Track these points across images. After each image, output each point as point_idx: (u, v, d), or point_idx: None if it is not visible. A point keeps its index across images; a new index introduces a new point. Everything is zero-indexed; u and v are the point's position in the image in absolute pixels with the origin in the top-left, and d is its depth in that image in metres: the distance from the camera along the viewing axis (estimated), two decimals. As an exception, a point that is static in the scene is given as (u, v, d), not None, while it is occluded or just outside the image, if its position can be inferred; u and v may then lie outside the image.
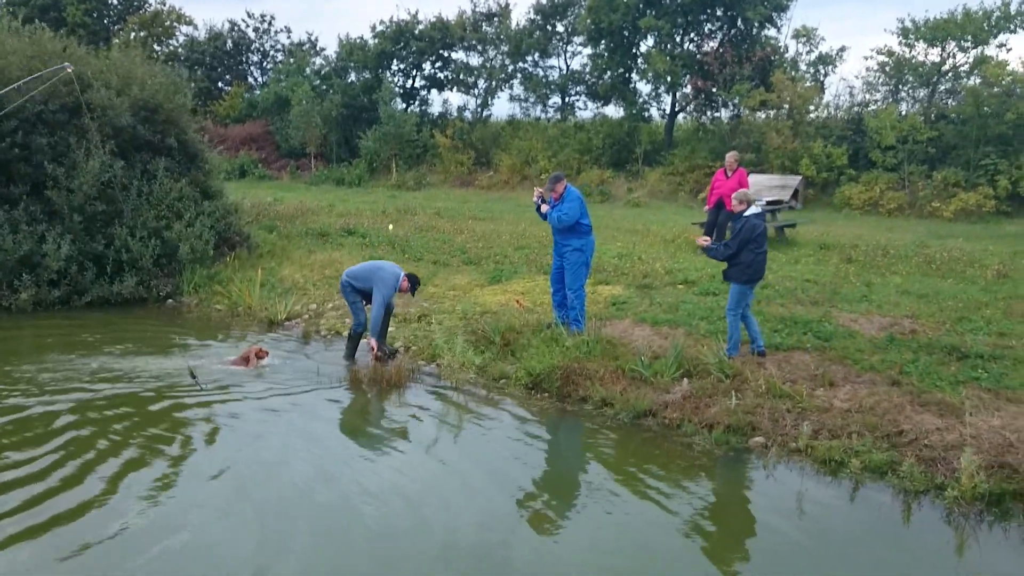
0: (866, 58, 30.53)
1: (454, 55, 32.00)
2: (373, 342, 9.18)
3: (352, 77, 32.56)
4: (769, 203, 15.25)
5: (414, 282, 9.66)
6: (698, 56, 25.63)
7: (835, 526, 5.86)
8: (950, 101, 22.21)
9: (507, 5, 30.78)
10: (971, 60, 22.42)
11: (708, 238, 8.53)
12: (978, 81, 21.35)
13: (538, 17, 29.49)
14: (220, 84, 36.17)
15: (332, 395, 8.39)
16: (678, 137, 27.43)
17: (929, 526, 5.84)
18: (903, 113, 22.22)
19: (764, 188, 22.14)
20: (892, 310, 9.87)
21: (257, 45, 36.61)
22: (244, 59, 36.87)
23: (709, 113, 27.18)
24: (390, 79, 31.92)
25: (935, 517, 5.92)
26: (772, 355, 8.59)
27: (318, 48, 35.81)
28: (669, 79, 25.16)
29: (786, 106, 22.91)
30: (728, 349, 8.55)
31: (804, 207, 21.56)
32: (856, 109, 23.46)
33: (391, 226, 16.42)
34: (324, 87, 31.79)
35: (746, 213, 8.36)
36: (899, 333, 8.95)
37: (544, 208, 9.75)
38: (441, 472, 6.64)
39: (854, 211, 20.45)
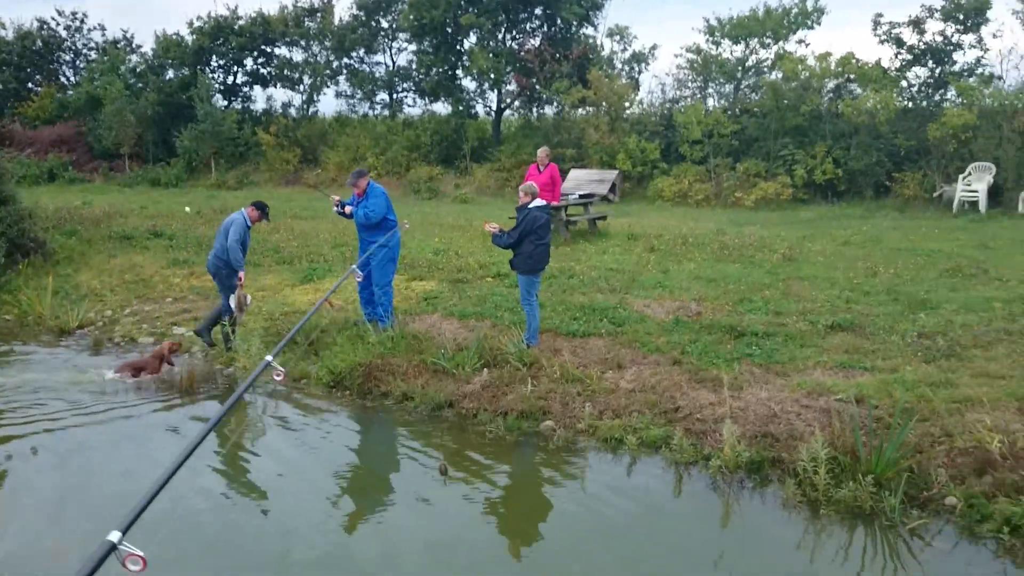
0: (676, 56, 31.91)
1: (277, 51, 31.28)
2: (242, 274, 9.51)
3: (170, 74, 31.24)
4: (582, 196, 15.79)
5: (261, 207, 9.70)
6: (520, 53, 26.14)
7: (613, 501, 6.18)
8: (753, 96, 23.61)
9: (329, 1, 30.33)
10: (772, 56, 23.95)
11: (497, 225, 8.76)
12: (779, 76, 22.80)
13: (361, 13, 29.23)
14: (30, 85, 33.91)
15: (126, 412, 8.08)
16: (505, 133, 27.91)
17: (697, 495, 6.26)
18: (709, 108, 23.46)
19: (584, 182, 22.89)
20: (682, 294, 10.46)
21: (69, 43, 34.49)
22: (55, 58, 34.67)
23: (535, 110, 27.81)
24: (210, 76, 30.84)
25: (702, 487, 6.35)
26: (569, 341, 8.93)
27: (134, 45, 34.10)
28: (493, 76, 25.55)
29: (604, 103, 23.71)
30: (527, 338, 8.83)
31: (622, 200, 22.48)
32: (668, 105, 24.59)
33: (188, 208, 15.90)
34: (140, 85, 30.34)
35: (530, 205, 8.63)
36: (685, 316, 9.50)
37: (347, 209, 9.76)
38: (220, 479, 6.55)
39: (666, 203, 21.44)
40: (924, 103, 21.56)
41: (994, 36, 23.96)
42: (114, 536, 2.52)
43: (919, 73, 22.10)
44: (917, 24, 21.69)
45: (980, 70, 21.92)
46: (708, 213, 19.74)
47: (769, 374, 7.89)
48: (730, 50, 24.60)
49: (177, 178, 26.96)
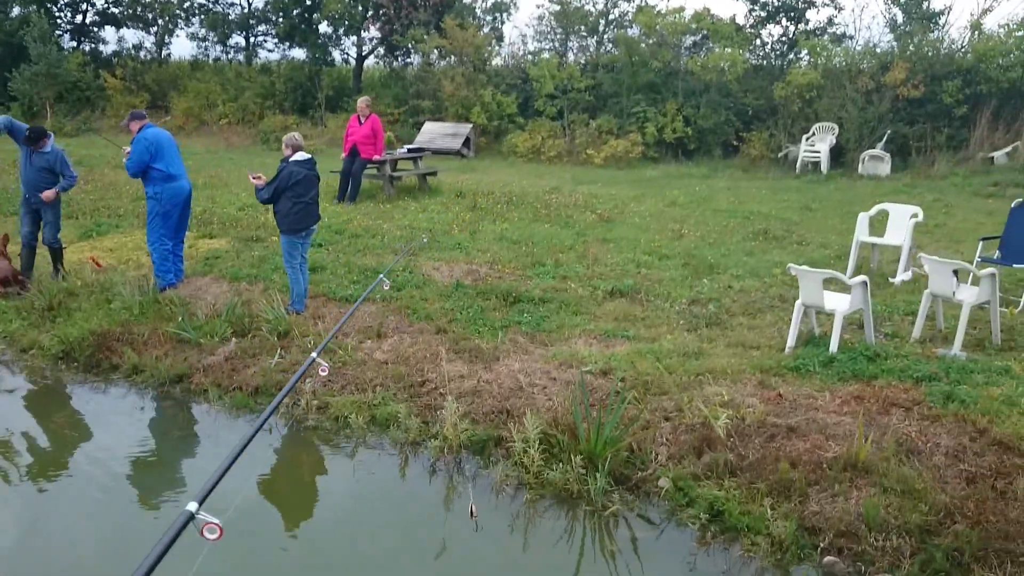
0: (538, 6, 31.28)
1: (128, -13, 29.30)
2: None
3: (16, 11, 28.87)
4: (411, 150, 15.13)
5: (37, 132, 8.99)
6: (377, -1, 25.11)
7: (334, 486, 5.71)
8: (614, 51, 23.20)
9: (181, -66, 28.51)
10: (633, 10, 23.61)
11: (261, 175, 8.07)
12: (638, 31, 22.47)
13: (215, -51, 27.61)
14: None
15: None
16: (366, 83, 26.89)
17: (419, 478, 5.82)
18: (566, 62, 22.97)
19: (438, 136, 22.32)
20: (478, 257, 10.01)
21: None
22: None
23: (399, 59, 26.86)
24: (56, 14, 28.76)
25: (422, 469, 5.91)
26: (340, 307, 8.37)
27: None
28: (347, 21, 24.45)
29: (462, 54, 22.96)
30: (291, 304, 8.23)
31: (477, 155, 21.92)
32: (530, 58, 24.01)
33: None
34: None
35: (291, 158, 7.97)
36: (471, 280, 9.05)
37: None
38: None
39: (519, 159, 20.97)
40: (778, 62, 21.60)
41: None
42: (192, 506, 2.70)
43: (773, 31, 22.14)
44: (771, -19, 21.67)
45: (832, 29, 22.11)
46: (557, 170, 19.34)
47: (534, 343, 7.51)
48: (592, 2, 24.19)
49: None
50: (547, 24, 24.55)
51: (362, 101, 13.86)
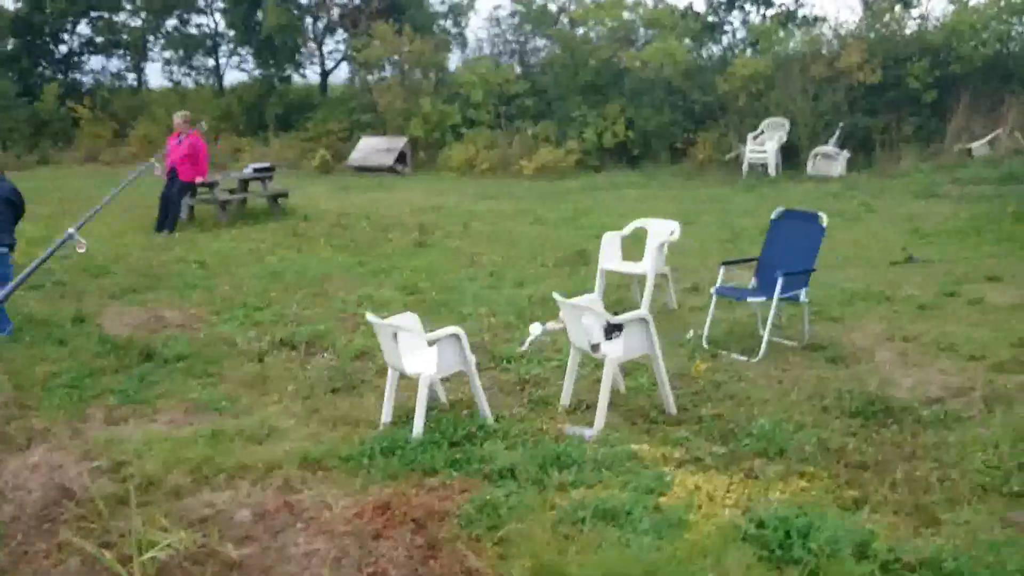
0: (495, 7, 29.51)
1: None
2: None
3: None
4: (257, 171, 13.68)
5: None
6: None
7: None
8: (556, 49, 21.12)
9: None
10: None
11: None
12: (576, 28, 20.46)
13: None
14: None
15: None
16: (333, 97, 25.62)
17: None
18: (500, 66, 21.11)
19: (372, 152, 20.89)
20: (197, 297, 8.44)
21: None
22: None
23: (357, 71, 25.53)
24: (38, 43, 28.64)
25: None
26: None
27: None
28: (291, 37, 23.33)
29: (405, 62, 21.49)
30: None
31: (415, 171, 20.37)
32: (475, 62, 22.24)
33: None
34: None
35: None
36: (144, 332, 7.48)
37: None
38: None
39: (452, 172, 19.30)
40: (729, 52, 19.31)
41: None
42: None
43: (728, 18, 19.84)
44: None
45: (804, 12, 19.69)
46: (480, 184, 17.58)
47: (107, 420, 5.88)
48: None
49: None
50: (506, 25, 22.77)
51: (178, 116, 12.54)
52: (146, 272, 9.58)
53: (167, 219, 12.16)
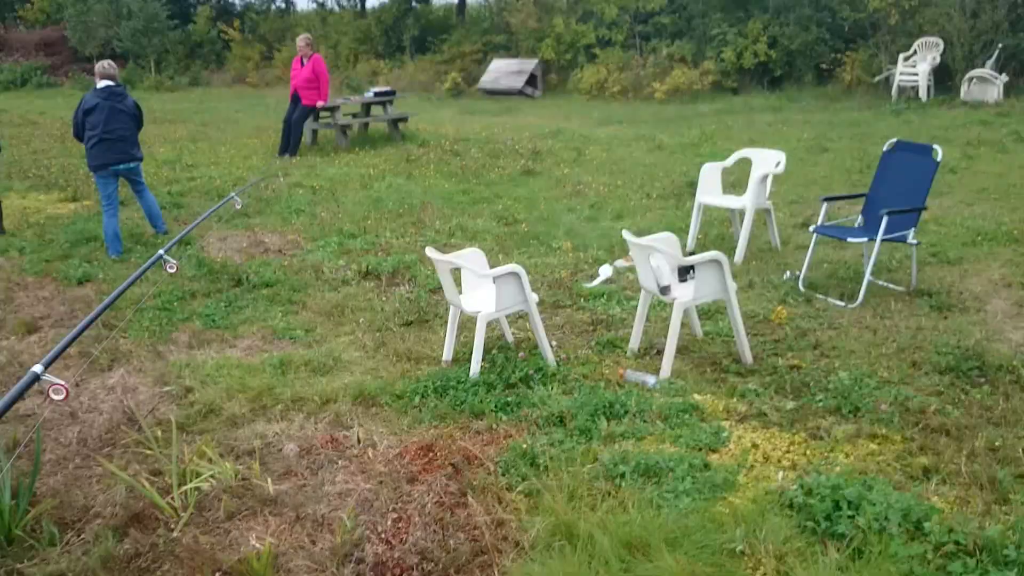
0: None
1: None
2: None
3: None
4: (377, 94, 13.65)
5: None
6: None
7: None
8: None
9: None
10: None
11: None
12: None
13: None
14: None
15: None
16: (471, 20, 25.38)
17: None
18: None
19: (502, 74, 20.58)
20: (293, 224, 8.55)
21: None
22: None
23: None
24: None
25: None
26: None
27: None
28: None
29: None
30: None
31: (545, 94, 19.97)
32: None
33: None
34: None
35: (100, 85, 7.42)
36: (243, 257, 7.65)
37: None
38: None
39: (582, 96, 18.77)
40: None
41: None
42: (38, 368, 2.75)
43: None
44: None
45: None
46: (609, 108, 17.04)
47: (193, 344, 6.06)
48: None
49: (126, 80, 26.17)
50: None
51: (301, 39, 12.56)
52: (259, 196, 9.79)
53: (289, 144, 12.38)
